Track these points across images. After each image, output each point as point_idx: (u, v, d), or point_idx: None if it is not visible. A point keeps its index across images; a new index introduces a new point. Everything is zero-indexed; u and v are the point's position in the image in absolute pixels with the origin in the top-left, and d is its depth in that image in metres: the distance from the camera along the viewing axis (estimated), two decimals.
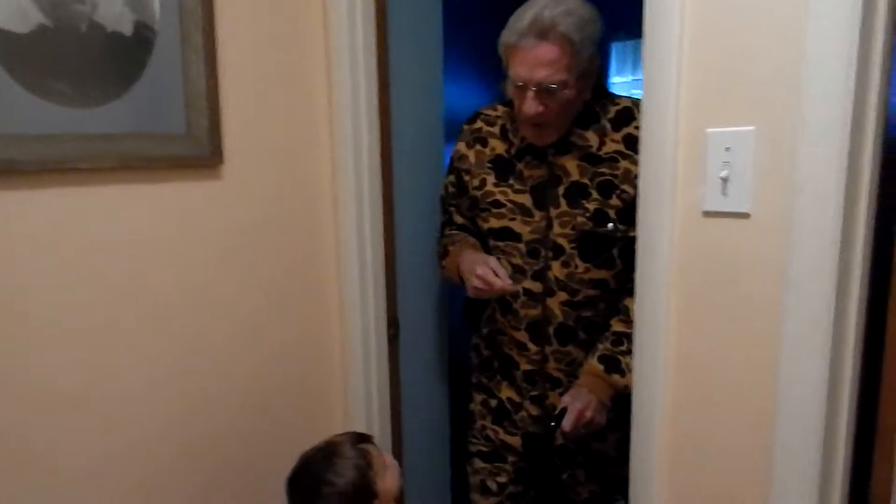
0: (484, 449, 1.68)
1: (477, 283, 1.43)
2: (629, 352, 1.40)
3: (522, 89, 1.36)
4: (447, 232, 1.69)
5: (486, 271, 1.42)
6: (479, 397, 1.70)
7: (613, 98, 1.48)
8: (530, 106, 1.36)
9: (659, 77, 1.02)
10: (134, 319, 1.33)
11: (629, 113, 1.44)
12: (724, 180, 0.97)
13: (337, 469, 1.23)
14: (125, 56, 1.25)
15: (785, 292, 0.94)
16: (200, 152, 1.35)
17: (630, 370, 1.36)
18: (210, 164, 1.38)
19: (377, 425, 1.71)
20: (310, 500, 1.23)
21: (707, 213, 1.02)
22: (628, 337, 1.40)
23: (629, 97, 1.49)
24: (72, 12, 1.17)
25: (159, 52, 1.28)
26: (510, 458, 1.65)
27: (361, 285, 1.63)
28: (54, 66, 1.17)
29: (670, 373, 1.11)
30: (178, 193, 1.36)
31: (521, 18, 1.33)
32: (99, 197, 1.27)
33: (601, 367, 1.44)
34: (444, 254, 1.65)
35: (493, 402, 1.65)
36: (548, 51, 1.31)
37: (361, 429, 1.67)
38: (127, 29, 1.24)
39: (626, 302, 1.46)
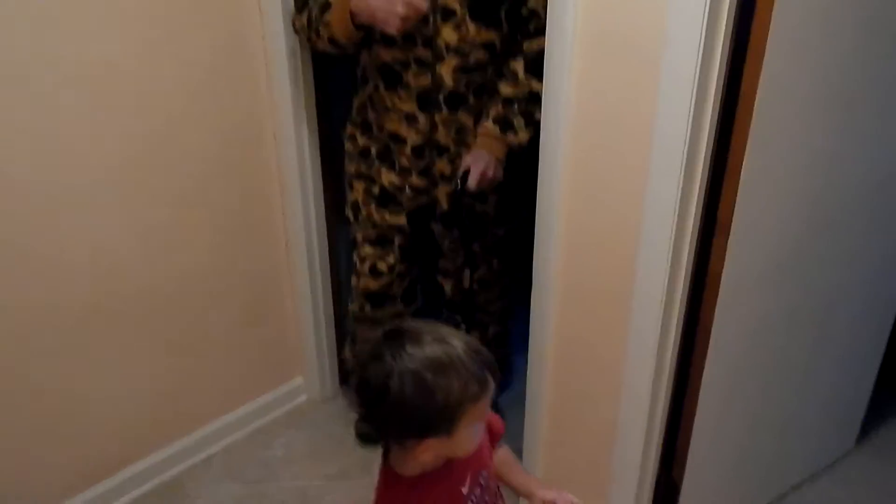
0: (371, 234, 1.76)
1: (402, 9, 1.36)
2: (519, 112, 1.54)
3: None
4: None
5: None
6: (360, 185, 1.74)
7: None
8: None
9: None
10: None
11: None
12: None
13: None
14: None
15: (664, 46, 1.14)
16: None
17: (521, 128, 1.55)
18: None
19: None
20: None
21: None
22: (518, 99, 1.54)
23: None
24: None
25: None
26: (397, 239, 1.76)
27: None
28: None
29: (570, 122, 1.33)
30: None
31: None
32: None
33: (496, 128, 1.55)
34: (325, 6, 1.51)
35: (375, 189, 1.71)
36: None
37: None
38: None
39: (512, 65, 1.55)
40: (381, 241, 1.77)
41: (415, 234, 1.79)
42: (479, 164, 1.56)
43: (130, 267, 1.65)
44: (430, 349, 0.90)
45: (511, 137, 1.57)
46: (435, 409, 0.89)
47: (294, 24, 1.63)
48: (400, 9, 1.36)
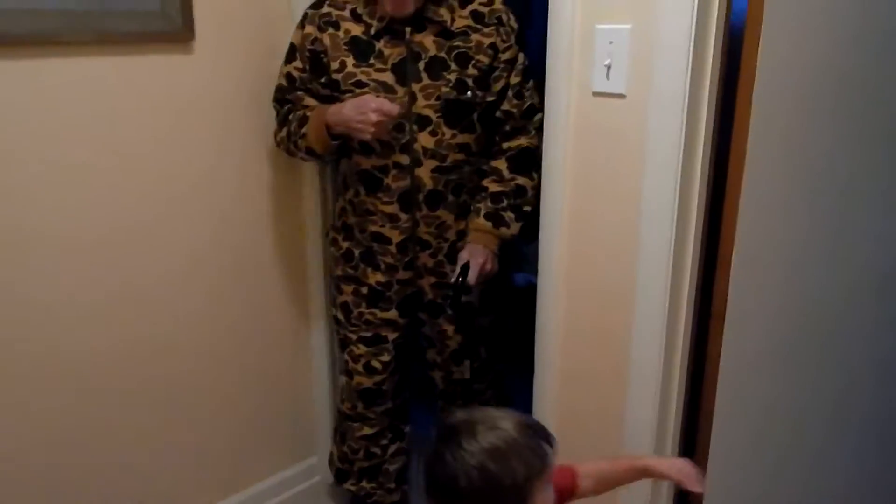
0: (366, 334, 1.78)
1: (375, 116, 1.46)
2: (508, 207, 1.64)
3: None
4: (299, 113, 1.67)
5: (381, 102, 1.47)
6: (348, 288, 1.77)
7: None
8: None
9: None
10: (110, 181, 1.55)
11: None
12: (608, 67, 1.26)
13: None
14: None
15: (644, 159, 1.26)
16: (173, 28, 1.53)
17: (512, 221, 1.65)
18: (182, 39, 1.57)
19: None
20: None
21: (596, 94, 1.32)
22: (505, 194, 1.64)
23: None
24: None
25: None
26: (391, 336, 1.79)
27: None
28: None
29: (566, 215, 1.45)
30: (153, 66, 1.55)
31: None
32: (79, 68, 1.45)
33: (489, 223, 1.64)
34: (303, 121, 1.62)
35: (364, 290, 1.75)
36: None
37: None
38: None
39: (495, 164, 1.66)
40: (376, 338, 1.80)
41: (406, 326, 1.82)
42: (477, 258, 1.63)
43: (143, 341, 1.67)
44: (486, 440, 0.96)
45: (504, 231, 1.66)
46: (506, 493, 0.96)
47: (275, 138, 1.74)
48: (373, 117, 1.47)
